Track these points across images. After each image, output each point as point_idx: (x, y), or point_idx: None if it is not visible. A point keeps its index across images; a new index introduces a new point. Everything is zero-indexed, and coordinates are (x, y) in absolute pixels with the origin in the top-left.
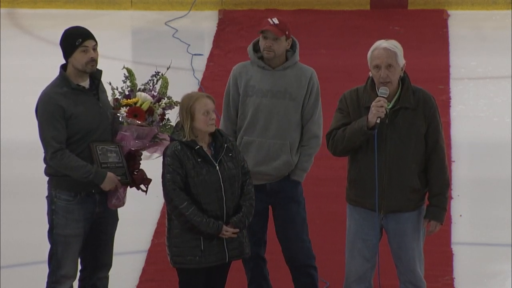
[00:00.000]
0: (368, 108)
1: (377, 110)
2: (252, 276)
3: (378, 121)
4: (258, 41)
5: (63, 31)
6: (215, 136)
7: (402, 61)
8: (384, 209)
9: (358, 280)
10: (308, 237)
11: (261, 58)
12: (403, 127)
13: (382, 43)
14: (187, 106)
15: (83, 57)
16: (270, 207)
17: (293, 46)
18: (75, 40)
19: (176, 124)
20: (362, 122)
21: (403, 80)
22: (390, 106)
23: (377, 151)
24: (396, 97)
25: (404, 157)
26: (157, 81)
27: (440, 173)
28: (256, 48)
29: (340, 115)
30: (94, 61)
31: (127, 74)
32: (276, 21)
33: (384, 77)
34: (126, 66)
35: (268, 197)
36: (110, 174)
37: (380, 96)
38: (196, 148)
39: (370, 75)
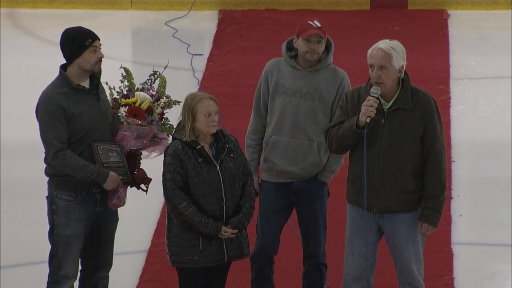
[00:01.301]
0: None
1: (366, 109)
2: (256, 275)
3: (368, 120)
4: (292, 40)
5: (63, 31)
6: (217, 136)
7: (398, 63)
8: (376, 209)
9: (356, 278)
10: (325, 236)
11: (293, 57)
12: (399, 128)
13: (380, 44)
14: (190, 106)
15: (93, 57)
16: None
17: (327, 48)
18: (85, 41)
19: (178, 123)
20: (353, 121)
21: (403, 81)
22: (388, 106)
23: (372, 151)
24: (394, 97)
25: (398, 158)
26: (154, 80)
27: (434, 176)
28: (289, 46)
29: (340, 113)
30: (101, 60)
31: (124, 74)
32: (318, 23)
33: (376, 77)
34: (123, 66)
35: (293, 196)
36: (112, 174)
37: (371, 96)
38: (198, 148)
39: None
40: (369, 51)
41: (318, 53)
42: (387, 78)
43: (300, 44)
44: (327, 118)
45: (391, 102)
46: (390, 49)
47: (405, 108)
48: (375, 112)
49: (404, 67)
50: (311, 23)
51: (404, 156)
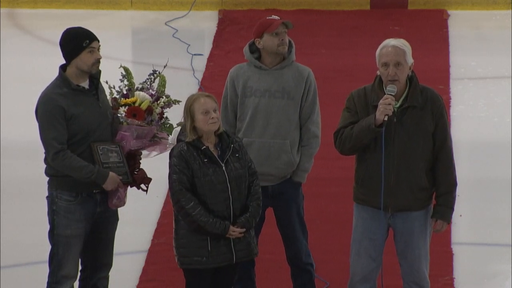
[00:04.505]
0: (376, 106)
1: (385, 107)
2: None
3: (386, 118)
4: (254, 42)
5: (63, 31)
6: (222, 137)
7: (410, 60)
8: (391, 208)
9: (363, 279)
10: (306, 236)
11: (258, 58)
12: (411, 126)
13: (390, 41)
14: (188, 106)
15: (90, 58)
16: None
17: (289, 46)
18: (83, 41)
19: (183, 126)
20: (370, 120)
21: (411, 79)
22: (398, 105)
23: (385, 150)
24: (404, 95)
25: (412, 156)
26: (154, 79)
27: (447, 172)
28: (252, 49)
29: (347, 114)
30: (99, 62)
31: (124, 73)
32: (277, 16)
33: (392, 75)
34: (122, 65)
35: (270, 200)
36: (112, 174)
37: (388, 94)
38: (203, 148)
39: (378, 73)
40: (379, 51)
41: (287, 44)
42: (402, 75)
43: (268, 41)
44: (297, 115)
45: (400, 100)
46: (403, 46)
47: (415, 106)
48: (392, 110)
49: (413, 64)
50: (272, 17)
51: (417, 153)
